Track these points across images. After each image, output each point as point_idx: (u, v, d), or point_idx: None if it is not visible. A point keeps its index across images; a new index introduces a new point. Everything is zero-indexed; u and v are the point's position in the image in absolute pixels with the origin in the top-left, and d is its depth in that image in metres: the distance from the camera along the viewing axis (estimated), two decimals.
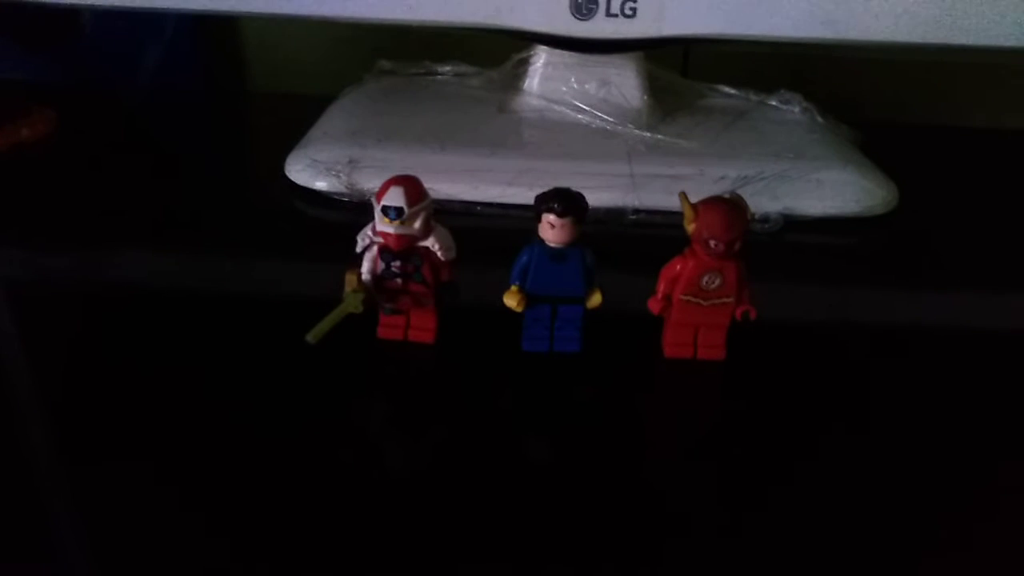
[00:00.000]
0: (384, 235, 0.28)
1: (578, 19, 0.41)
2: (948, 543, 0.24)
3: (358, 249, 0.28)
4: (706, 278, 0.28)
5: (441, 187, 0.39)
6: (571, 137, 0.44)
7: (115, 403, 0.27)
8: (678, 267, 0.28)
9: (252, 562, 0.22)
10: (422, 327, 0.30)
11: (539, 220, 0.28)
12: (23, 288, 0.35)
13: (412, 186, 0.27)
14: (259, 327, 0.32)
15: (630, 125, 0.44)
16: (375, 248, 0.28)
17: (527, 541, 0.23)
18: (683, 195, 0.28)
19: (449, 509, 0.24)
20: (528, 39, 0.44)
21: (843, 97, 0.50)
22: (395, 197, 0.27)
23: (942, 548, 0.23)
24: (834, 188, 0.41)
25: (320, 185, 0.41)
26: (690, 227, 0.27)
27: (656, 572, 0.22)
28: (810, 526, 0.24)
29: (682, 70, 0.56)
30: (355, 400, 0.29)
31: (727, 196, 0.28)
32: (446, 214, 0.36)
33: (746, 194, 0.39)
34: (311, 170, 0.42)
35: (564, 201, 0.27)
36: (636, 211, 0.40)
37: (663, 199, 0.39)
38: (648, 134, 0.44)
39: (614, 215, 0.40)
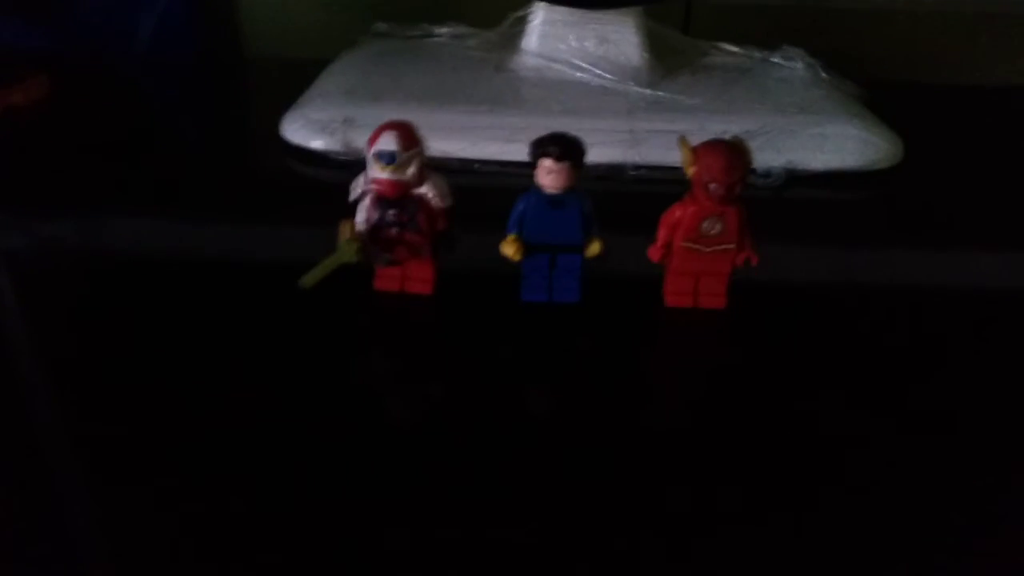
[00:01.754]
0: (378, 182, 0.27)
1: None
2: (945, 503, 0.23)
3: (352, 198, 0.28)
4: (706, 224, 0.27)
5: (439, 144, 0.38)
6: (570, 95, 0.43)
7: (115, 366, 0.27)
8: (678, 213, 0.28)
9: (253, 515, 0.22)
10: (420, 278, 0.29)
11: (536, 166, 0.27)
12: (17, 253, 0.35)
13: (405, 131, 0.27)
14: (258, 285, 0.31)
15: (630, 83, 0.44)
16: (369, 196, 0.28)
17: (528, 491, 0.23)
18: (682, 139, 0.27)
19: (450, 460, 0.24)
20: None
21: (848, 53, 0.49)
22: (388, 142, 0.26)
23: (939, 508, 0.23)
24: (837, 142, 0.40)
25: (316, 144, 0.41)
26: (690, 171, 0.27)
27: (656, 521, 0.22)
28: (807, 477, 0.24)
29: (683, 27, 0.55)
30: (354, 352, 0.28)
31: (728, 139, 0.27)
32: (444, 172, 0.36)
33: None
34: (307, 129, 0.41)
35: (561, 145, 0.26)
36: (636, 167, 0.39)
37: (663, 155, 0.39)
38: (648, 91, 0.43)
39: (614, 171, 0.39)
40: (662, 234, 0.28)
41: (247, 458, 0.23)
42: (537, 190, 0.27)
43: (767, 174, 0.39)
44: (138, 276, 0.33)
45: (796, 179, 0.39)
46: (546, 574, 0.20)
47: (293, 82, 0.46)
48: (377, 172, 0.27)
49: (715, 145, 0.27)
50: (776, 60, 0.48)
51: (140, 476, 0.23)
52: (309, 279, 0.26)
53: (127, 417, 0.25)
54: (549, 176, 0.27)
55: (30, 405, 0.26)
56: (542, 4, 0.45)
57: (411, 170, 0.27)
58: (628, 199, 0.38)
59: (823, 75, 0.46)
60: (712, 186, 0.26)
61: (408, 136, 0.27)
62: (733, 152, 0.26)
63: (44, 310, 0.31)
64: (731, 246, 0.28)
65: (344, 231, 0.28)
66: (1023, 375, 0.28)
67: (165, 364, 0.27)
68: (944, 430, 0.25)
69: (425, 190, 0.27)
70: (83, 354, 0.28)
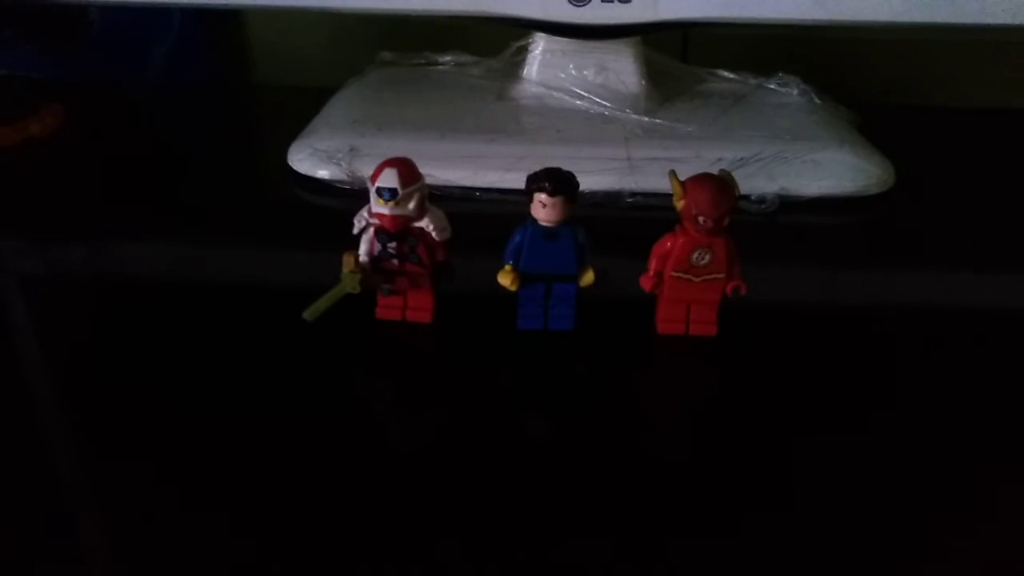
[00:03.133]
0: (380, 216, 0.28)
1: (574, 6, 0.42)
2: (939, 523, 0.24)
3: (355, 231, 0.29)
4: (696, 254, 0.28)
5: (441, 173, 0.40)
6: (569, 123, 0.44)
7: (126, 388, 0.28)
8: (668, 244, 0.29)
9: (257, 538, 0.23)
10: (420, 307, 0.31)
11: (531, 200, 0.28)
12: (34, 278, 0.36)
13: (405, 168, 0.28)
14: (264, 311, 0.32)
15: (628, 110, 0.45)
16: (371, 230, 0.29)
17: (527, 515, 0.23)
18: (672, 173, 0.28)
19: (450, 485, 0.25)
20: (526, 26, 0.45)
21: (842, 78, 0.50)
22: (389, 179, 0.27)
23: (931, 527, 0.24)
24: (829, 168, 0.41)
25: (322, 173, 0.42)
26: (679, 204, 0.28)
27: (654, 543, 0.23)
28: (800, 499, 0.24)
29: (682, 54, 0.56)
30: (356, 379, 0.29)
31: (716, 173, 0.28)
32: (446, 200, 0.37)
33: (743, 175, 0.40)
34: (313, 159, 0.42)
35: (555, 180, 0.27)
36: (633, 194, 0.40)
37: (659, 182, 0.39)
38: (646, 118, 0.44)
39: (612, 198, 0.40)
40: (653, 264, 0.29)
41: (252, 477, 0.24)
42: (533, 222, 0.29)
43: (761, 200, 0.40)
44: (148, 300, 0.34)
45: (789, 205, 0.40)
46: None
47: (300, 109, 0.47)
48: (379, 207, 0.28)
49: (703, 180, 0.28)
50: (772, 86, 0.49)
51: (144, 497, 0.24)
52: (312, 312, 0.27)
53: (134, 438, 0.26)
54: (543, 210, 0.28)
55: (43, 427, 0.27)
56: (542, 35, 0.46)
57: (411, 205, 0.28)
58: (625, 225, 0.39)
59: (817, 101, 0.47)
60: (700, 219, 0.27)
61: (408, 172, 0.28)
62: (720, 186, 0.27)
63: (59, 333, 0.32)
64: (720, 276, 0.29)
65: (347, 263, 0.29)
66: (1015, 395, 0.29)
67: (172, 385, 0.28)
68: (936, 453, 0.26)
69: (425, 223, 0.29)
70: (94, 375, 0.29)
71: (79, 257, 0.38)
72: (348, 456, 0.26)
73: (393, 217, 0.28)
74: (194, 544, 0.23)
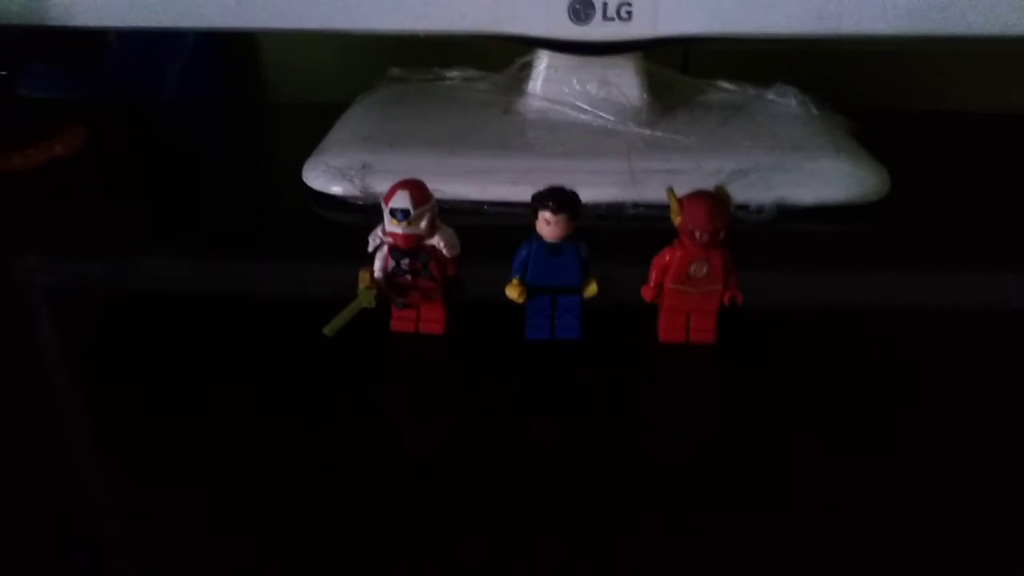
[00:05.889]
0: (393, 235, 0.30)
1: (576, 24, 0.43)
2: (940, 522, 0.25)
3: (370, 249, 0.31)
4: (694, 267, 0.30)
5: (450, 188, 0.41)
6: (573, 136, 0.46)
7: (147, 398, 0.30)
8: (667, 257, 0.30)
9: (273, 542, 0.24)
10: (432, 319, 0.32)
11: (536, 217, 0.30)
12: (58, 294, 0.38)
13: (417, 189, 0.29)
14: (282, 324, 0.34)
15: (630, 123, 0.46)
16: (385, 247, 0.30)
17: (535, 519, 0.25)
18: (670, 190, 0.30)
19: (462, 487, 0.26)
20: (530, 44, 0.46)
21: (840, 88, 0.51)
22: (401, 200, 0.29)
23: (931, 527, 0.25)
24: (826, 177, 0.42)
25: (335, 190, 0.44)
26: (677, 220, 0.29)
27: (657, 546, 0.24)
28: (802, 502, 0.26)
29: (683, 67, 0.58)
30: (372, 388, 0.31)
31: (712, 190, 0.30)
32: (455, 214, 0.39)
33: (741, 186, 0.41)
34: (327, 176, 0.44)
35: (558, 199, 0.29)
36: (635, 205, 0.42)
37: (661, 193, 0.40)
38: (648, 131, 0.46)
39: (614, 210, 0.41)
40: (653, 276, 0.31)
41: (269, 484, 0.26)
42: (538, 238, 0.30)
43: (759, 210, 0.41)
44: (169, 313, 0.35)
45: (787, 213, 0.41)
46: None
47: (312, 126, 0.49)
48: (392, 226, 0.29)
49: (699, 196, 0.29)
50: (770, 97, 0.50)
51: (162, 503, 0.25)
52: (331, 328, 0.29)
53: (154, 447, 0.28)
54: (548, 227, 0.29)
55: (65, 436, 0.29)
56: (546, 51, 0.47)
57: (423, 224, 0.30)
58: (628, 235, 0.40)
59: (815, 111, 0.48)
60: (697, 234, 0.29)
61: (420, 193, 0.29)
62: (715, 203, 0.29)
63: (82, 346, 0.34)
64: (718, 287, 0.30)
65: (363, 279, 0.30)
66: (1013, 398, 0.30)
67: (189, 397, 0.30)
68: (936, 456, 0.27)
69: (436, 241, 0.30)
70: (115, 386, 0.31)
71: (101, 273, 0.40)
72: (364, 459, 0.27)
73: (406, 236, 0.30)
74: (213, 550, 0.24)
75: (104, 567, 0.24)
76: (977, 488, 0.26)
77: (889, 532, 0.24)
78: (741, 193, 0.41)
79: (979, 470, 0.27)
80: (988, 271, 0.39)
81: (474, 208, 0.42)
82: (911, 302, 0.37)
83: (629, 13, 0.43)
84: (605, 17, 0.43)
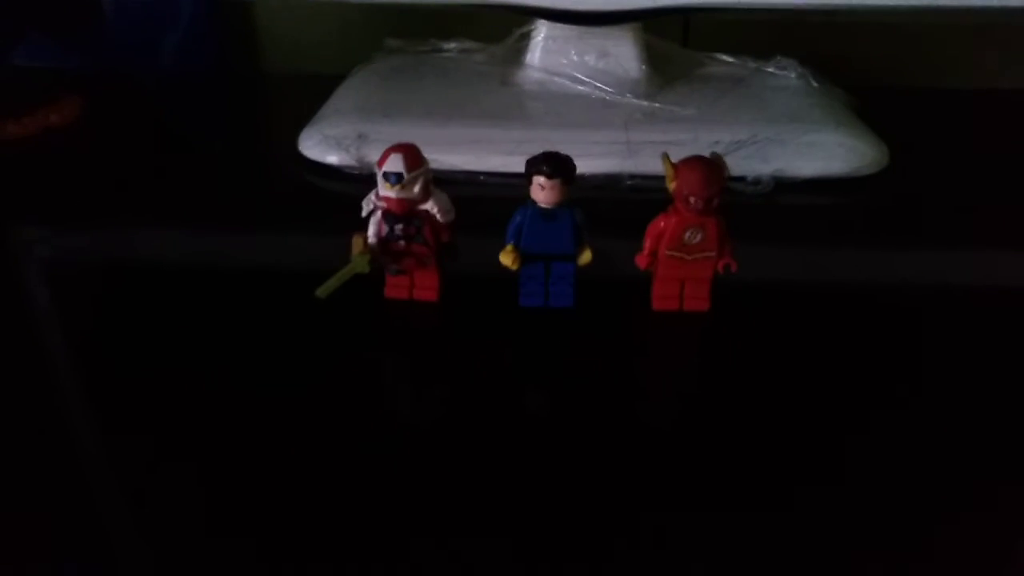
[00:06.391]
0: (386, 199, 0.30)
1: None
2: (933, 494, 0.25)
3: (363, 214, 0.31)
4: (688, 233, 0.30)
5: (446, 158, 0.41)
6: (571, 108, 0.45)
7: (142, 370, 0.30)
8: (662, 224, 0.30)
9: (269, 510, 0.24)
10: (426, 286, 0.32)
11: (530, 182, 0.29)
12: (53, 264, 0.38)
13: (410, 153, 0.29)
14: (276, 293, 0.34)
15: (628, 95, 0.46)
16: (379, 212, 0.30)
17: (529, 487, 0.25)
18: (665, 156, 0.29)
19: (456, 455, 0.26)
20: (528, 13, 0.46)
21: (840, 61, 0.51)
22: (395, 163, 0.29)
23: (927, 504, 0.24)
24: (824, 149, 0.42)
25: (331, 159, 0.43)
26: (672, 185, 0.29)
27: (651, 514, 0.24)
28: (793, 470, 0.26)
29: (683, 39, 0.57)
30: (366, 355, 0.31)
31: (706, 156, 0.29)
32: (451, 184, 0.38)
33: (739, 158, 0.41)
34: (323, 145, 0.44)
35: (552, 164, 0.29)
36: (632, 176, 0.42)
37: (658, 165, 0.40)
38: (646, 103, 0.45)
39: (611, 181, 0.41)
40: (648, 243, 0.31)
41: (263, 455, 0.26)
42: (532, 204, 0.30)
43: (756, 181, 0.41)
44: (164, 284, 0.35)
45: (784, 186, 0.41)
46: (546, 564, 0.22)
47: (309, 97, 0.49)
48: (386, 191, 0.29)
49: (694, 162, 0.29)
50: (770, 70, 0.50)
51: (157, 471, 0.26)
52: (324, 290, 0.29)
53: (148, 417, 0.28)
54: (542, 192, 0.29)
55: (62, 407, 0.29)
56: (544, 21, 0.47)
57: (417, 188, 0.29)
58: (624, 206, 0.40)
59: (814, 84, 0.48)
60: (692, 199, 0.29)
61: (413, 157, 0.29)
62: (711, 168, 0.29)
63: (76, 317, 0.34)
64: (712, 254, 0.30)
65: (356, 244, 0.30)
66: (1011, 374, 0.30)
67: (186, 367, 0.30)
68: (931, 428, 0.27)
69: (430, 206, 0.30)
70: (110, 358, 0.31)
71: (95, 243, 0.40)
72: (358, 427, 0.27)
73: (399, 200, 0.29)
74: (209, 517, 0.24)
75: (99, 529, 0.24)
76: (975, 464, 0.26)
77: (881, 503, 0.24)
78: (739, 165, 0.41)
79: (976, 441, 0.27)
80: (984, 244, 0.39)
81: (470, 178, 0.42)
82: (907, 274, 0.37)
83: None
84: None
